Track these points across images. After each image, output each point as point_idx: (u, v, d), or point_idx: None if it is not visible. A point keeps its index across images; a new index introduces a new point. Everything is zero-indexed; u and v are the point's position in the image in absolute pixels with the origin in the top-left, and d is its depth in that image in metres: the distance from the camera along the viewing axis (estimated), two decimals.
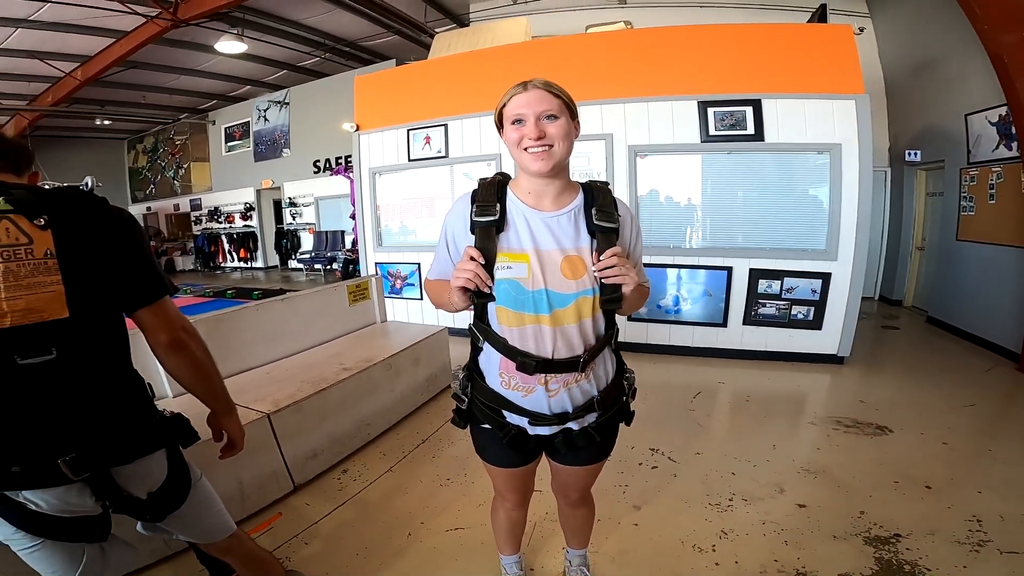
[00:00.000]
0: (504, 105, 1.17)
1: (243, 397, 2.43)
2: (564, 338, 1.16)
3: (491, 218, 1.16)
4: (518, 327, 1.16)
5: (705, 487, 2.44)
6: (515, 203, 1.20)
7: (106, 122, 12.60)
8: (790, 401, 3.55)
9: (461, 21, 8.20)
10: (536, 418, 1.22)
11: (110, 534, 1.15)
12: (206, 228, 13.73)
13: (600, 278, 1.13)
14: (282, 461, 2.40)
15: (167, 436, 1.18)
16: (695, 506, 2.29)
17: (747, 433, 3.03)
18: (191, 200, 14.09)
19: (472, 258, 1.09)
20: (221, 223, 13.40)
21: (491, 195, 1.20)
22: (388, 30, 8.36)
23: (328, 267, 10.90)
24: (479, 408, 1.29)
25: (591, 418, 1.25)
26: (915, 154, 5.59)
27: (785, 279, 4.05)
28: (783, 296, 4.09)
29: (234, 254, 13.22)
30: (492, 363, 1.24)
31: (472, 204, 1.19)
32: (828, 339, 4.09)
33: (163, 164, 14.76)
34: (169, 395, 2.41)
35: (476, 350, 1.29)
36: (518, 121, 1.13)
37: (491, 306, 1.19)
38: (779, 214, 4.08)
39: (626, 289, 1.12)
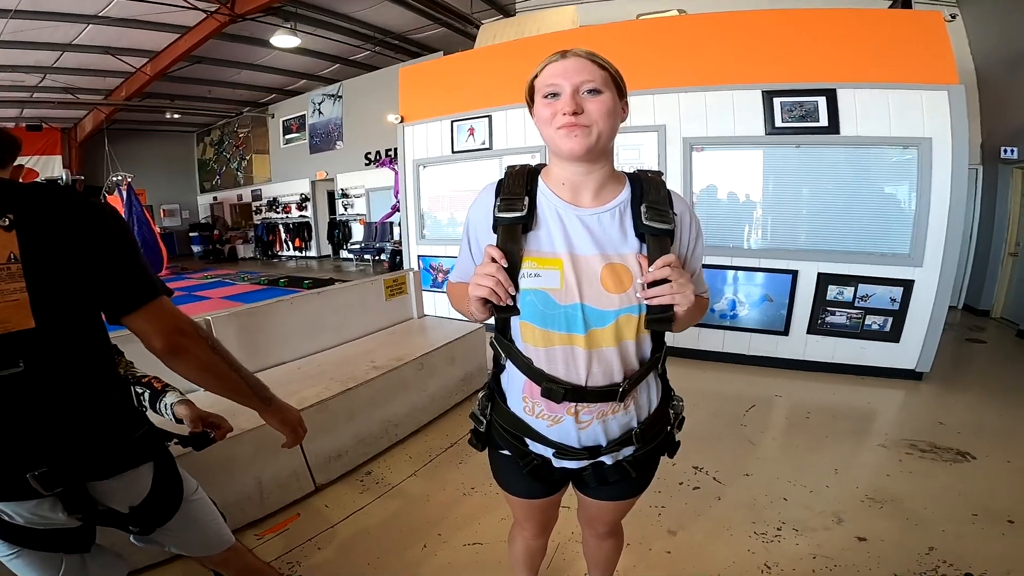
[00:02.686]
0: (536, 76, 0.98)
1: None
2: (601, 362, 0.97)
3: (517, 214, 0.97)
4: (545, 347, 0.98)
5: (752, 513, 2.21)
6: (548, 196, 1.00)
7: (176, 116, 13.34)
8: (857, 419, 3.22)
9: (507, 12, 8.04)
10: (563, 451, 1.04)
11: (95, 544, 1.10)
12: (265, 218, 14.32)
13: (645, 297, 0.93)
14: (304, 461, 2.35)
15: (154, 450, 1.10)
16: (738, 534, 2.08)
17: (805, 454, 2.75)
18: (252, 191, 14.73)
19: (493, 259, 0.92)
20: (279, 213, 13.93)
21: (519, 186, 1.01)
22: (435, 22, 8.34)
23: (377, 257, 11.10)
24: (499, 432, 1.12)
25: (627, 451, 1.06)
26: (1011, 151, 5.08)
27: (860, 285, 3.67)
28: (856, 304, 3.70)
29: (290, 243, 13.73)
30: (515, 384, 1.06)
31: (496, 197, 1.01)
32: (906, 353, 3.68)
33: (228, 156, 15.51)
34: (200, 390, 2.40)
35: (498, 367, 1.12)
36: (552, 95, 0.94)
37: (515, 319, 1.01)
38: (855, 214, 3.69)
39: (679, 309, 0.92)
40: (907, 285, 3.57)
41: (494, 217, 1.00)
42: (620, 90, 0.97)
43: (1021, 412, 3.23)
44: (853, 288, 3.69)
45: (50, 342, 0.90)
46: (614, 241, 0.97)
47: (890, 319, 3.66)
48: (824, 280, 3.75)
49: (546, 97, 0.95)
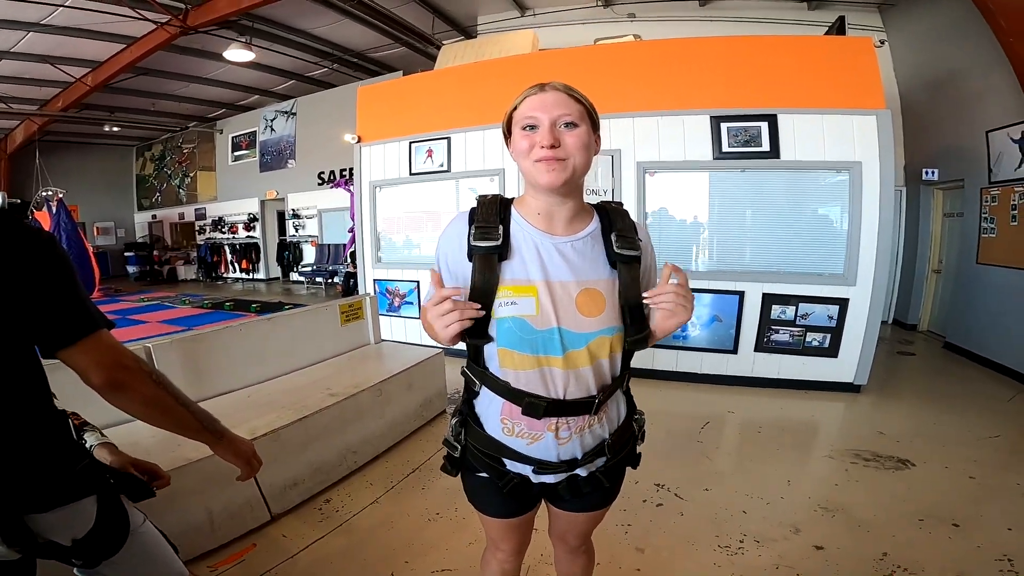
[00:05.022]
0: (515, 108, 1.01)
1: None
2: (578, 380, 1.02)
3: (493, 243, 1.00)
4: (524, 370, 1.01)
5: (714, 527, 2.27)
6: (522, 225, 1.04)
7: (115, 129, 12.64)
8: (805, 432, 3.38)
9: (468, 33, 8.16)
10: (542, 466, 1.07)
11: None
12: (209, 238, 13.67)
13: (655, 304, 0.99)
14: (258, 490, 2.24)
15: (96, 483, 1.03)
16: (703, 548, 2.13)
17: (759, 467, 2.85)
18: (196, 209, 14.07)
19: (445, 297, 0.93)
20: (224, 233, 13.34)
21: (493, 215, 1.04)
22: (396, 41, 8.34)
23: (329, 281, 10.79)
24: (475, 455, 1.13)
25: (599, 462, 1.11)
26: (932, 172, 5.43)
27: (800, 304, 3.87)
28: (797, 322, 3.90)
29: (236, 265, 13.12)
30: (492, 409, 1.09)
31: (470, 225, 1.03)
32: (844, 367, 3.91)
33: (169, 172, 14.79)
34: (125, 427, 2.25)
35: (471, 393, 1.13)
36: (530, 127, 0.98)
37: (489, 347, 1.04)
38: (794, 236, 3.91)
39: (672, 321, 1.00)
40: (843, 303, 3.79)
41: (469, 246, 1.01)
42: (594, 123, 1.03)
43: (953, 419, 3.46)
44: (794, 307, 3.89)
45: None
46: (589, 268, 1.03)
47: (828, 336, 3.87)
48: (768, 300, 3.93)
49: (524, 129, 0.99)
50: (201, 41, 7.97)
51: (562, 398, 1.02)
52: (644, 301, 1.02)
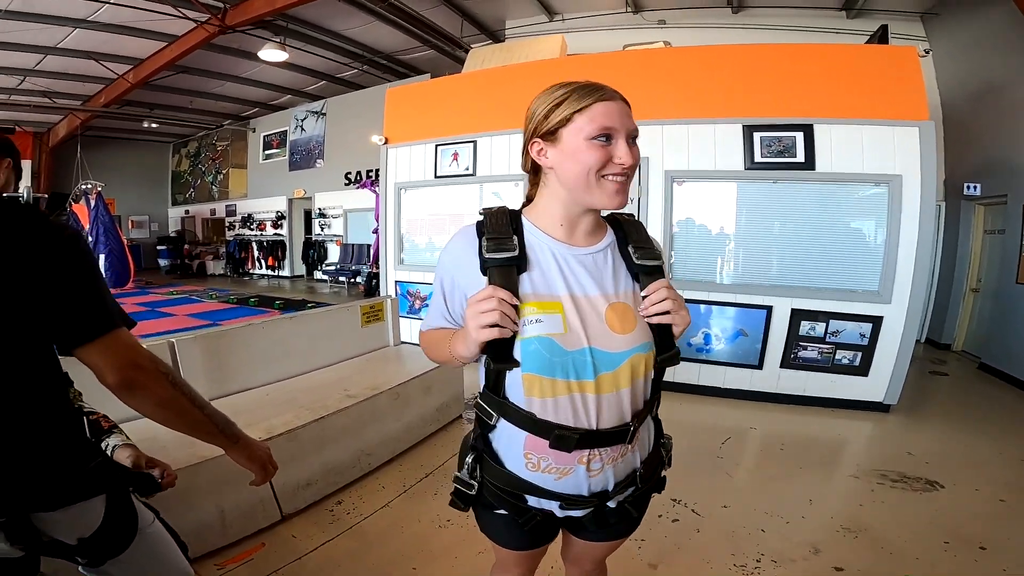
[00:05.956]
0: (579, 110, 0.88)
1: (236, 420, 2.29)
2: (611, 406, 0.92)
3: (510, 254, 0.91)
4: (552, 397, 0.90)
5: (731, 545, 2.21)
6: (537, 236, 0.95)
7: (154, 125, 13.08)
8: (829, 451, 3.28)
9: (496, 37, 8.19)
10: (570, 501, 0.97)
11: (39, 574, 1.02)
12: (238, 234, 14.01)
13: (648, 318, 0.93)
14: (270, 489, 2.25)
15: (106, 482, 1.02)
16: (718, 567, 2.07)
17: (780, 485, 2.77)
18: (227, 206, 14.45)
19: (500, 299, 0.84)
20: (253, 230, 13.65)
21: (504, 225, 0.94)
22: (424, 44, 8.42)
23: (352, 280, 10.92)
24: (492, 493, 1.02)
25: (628, 491, 1.02)
26: (974, 187, 5.22)
27: (831, 321, 3.74)
28: (827, 339, 3.77)
29: (263, 261, 13.42)
30: (513, 443, 0.96)
31: (479, 238, 0.94)
32: (874, 386, 3.77)
33: (203, 169, 15.22)
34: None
35: (486, 427, 1.00)
36: (605, 136, 0.87)
37: (511, 374, 0.92)
38: (827, 251, 3.78)
39: (677, 329, 0.94)
40: (876, 321, 3.65)
41: (483, 258, 0.91)
42: None
43: (985, 442, 3.33)
44: (824, 324, 3.76)
45: None
46: (613, 280, 0.96)
47: (859, 354, 3.74)
48: (797, 316, 3.81)
49: (597, 139, 0.87)
50: (238, 40, 8.20)
51: (595, 428, 0.91)
52: (641, 314, 0.94)
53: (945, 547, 2.17)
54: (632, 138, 0.89)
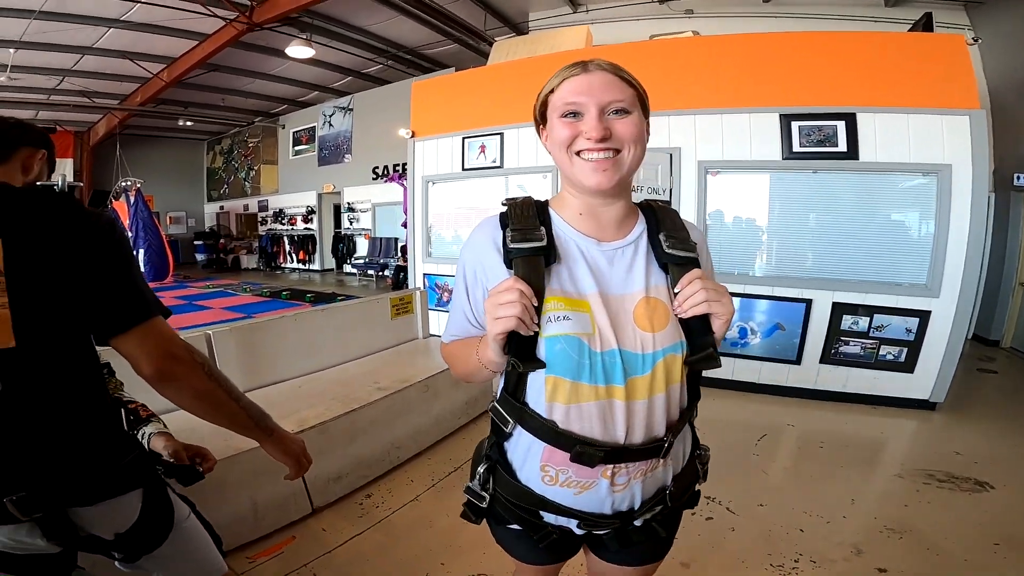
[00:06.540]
0: (552, 91, 0.86)
1: (269, 413, 2.33)
2: (641, 415, 0.82)
3: (537, 244, 0.84)
4: (576, 404, 0.82)
5: (767, 544, 2.14)
6: (564, 229, 0.89)
7: (188, 123, 13.45)
8: (872, 449, 3.15)
9: (520, 29, 8.11)
10: (589, 521, 0.88)
11: (77, 568, 1.03)
12: (270, 229, 14.33)
13: (680, 313, 0.83)
14: (302, 482, 2.27)
15: (143, 476, 1.02)
16: (754, 567, 2.01)
17: (819, 484, 2.67)
18: (259, 201, 14.76)
19: (521, 291, 0.77)
20: (284, 225, 13.94)
21: (530, 216, 0.88)
22: (447, 38, 8.40)
23: (380, 273, 11.05)
24: (504, 507, 0.94)
25: (655, 510, 0.92)
26: None
27: (875, 315, 3.59)
28: (871, 334, 3.62)
29: (294, 255, 13.70)
30: (531, 454, 0.88)
31: (503, 229, 0.88)
32: (920, 383, 3.60)
33: (236, 165, 15.58)
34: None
35: (501, 435, 0.93)
36: (573, 114, 0.82)
37: (533, 377, 0.85)
38: (871, 242, 3.62)
39: (718, 323, 0.82)
40: (923, 316, 3.49)
41: (506, 249, 0.85)
42: (645, 108, 0.88)
43: None
44: (868, 318, 3.61)
45: (32, 362, 0.84)
46: (643, 275, 0.87)
47: (905, 350, 3.58)
48: (839, 310, 3.67)
49: (565, 116, 0.83)
50: (265, 38, 8.33)
51: (622, 443, 0.82)
52: (675, 312, 0.84)
53: (995, 549, 2.09)
54: (611, 111, 0.82)
